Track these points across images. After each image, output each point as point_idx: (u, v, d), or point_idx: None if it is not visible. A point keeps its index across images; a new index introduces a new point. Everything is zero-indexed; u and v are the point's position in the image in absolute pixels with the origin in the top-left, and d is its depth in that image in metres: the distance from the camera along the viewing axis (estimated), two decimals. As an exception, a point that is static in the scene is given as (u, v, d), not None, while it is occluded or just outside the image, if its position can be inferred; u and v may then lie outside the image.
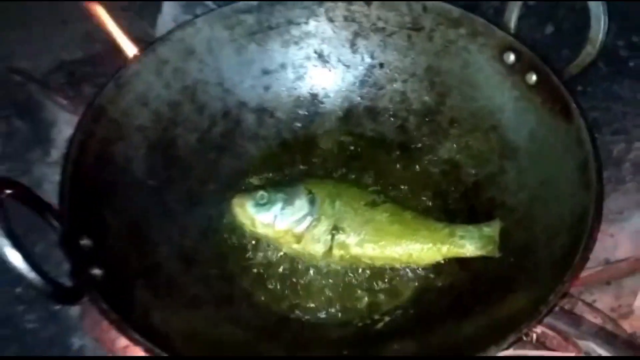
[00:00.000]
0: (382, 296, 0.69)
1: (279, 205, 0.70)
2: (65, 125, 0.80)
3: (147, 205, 0.70)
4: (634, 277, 0.74)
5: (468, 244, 0.67)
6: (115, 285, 0.59)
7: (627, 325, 0.72)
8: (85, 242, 0.59)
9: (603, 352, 0.68)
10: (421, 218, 0.71)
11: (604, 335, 0.69)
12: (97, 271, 0.57)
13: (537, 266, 0.61)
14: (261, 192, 0.71)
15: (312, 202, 0.70)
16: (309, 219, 0.70)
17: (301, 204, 0.70)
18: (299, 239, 0.70)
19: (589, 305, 0.72)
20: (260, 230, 0.71)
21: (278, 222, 0.70)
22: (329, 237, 0.69)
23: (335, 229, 0.69)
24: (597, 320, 0.70)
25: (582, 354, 0.68)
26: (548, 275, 0.58)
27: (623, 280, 0.74)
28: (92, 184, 0.65)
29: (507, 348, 0.53)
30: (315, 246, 0.70)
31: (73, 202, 0.61)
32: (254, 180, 0.77)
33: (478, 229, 0.68)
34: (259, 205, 0.70)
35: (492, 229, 0.68)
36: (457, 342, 0.59)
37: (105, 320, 0.53)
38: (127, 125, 0.71)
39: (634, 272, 0.75)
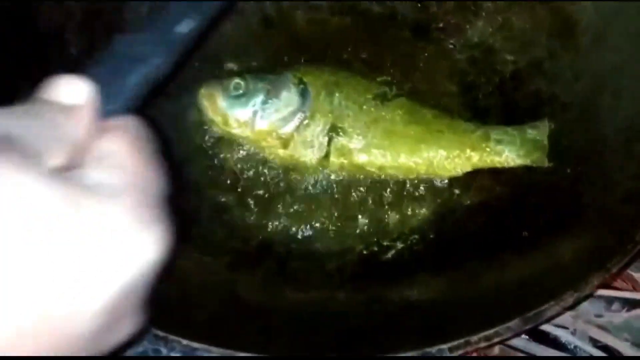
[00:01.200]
0: (393, 216, 0.58)
1: (259, 97, 0.59)
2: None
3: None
4: None
5: (507, 151, 0.57)
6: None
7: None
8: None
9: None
10: (445, 117, 0.60)
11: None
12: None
13: (613, 178, 0.48)
14: (237, 80, 0.59)
15: (303, 94, 0.59)
16: (299, 115, 0.59)
17: (289, 97, 0.59)
18: (285, 142, 0.59)
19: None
20: (236, 130, 0.59)
21: (259, 119, 0.59)
22: (326, 140, 0.58)
23: (334, 129, 0.59)
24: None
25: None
26: (636, 191, 0.44)
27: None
28: (4, 53, 0.51)
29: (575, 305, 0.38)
30: (307, 152, 0.59)
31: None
32: (228, 66, 0.64)
33: (520, 131, 0.58)
34: (233, 97, 0.59)
35: (539, 131, 0.58)
36: (498, 285, 0.46)
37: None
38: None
39: None
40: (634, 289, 0.58)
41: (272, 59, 0.64)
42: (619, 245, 0.40)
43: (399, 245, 0.56)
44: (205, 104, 0.59)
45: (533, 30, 0.61)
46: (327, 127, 0.58)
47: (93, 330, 0.24)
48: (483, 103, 0.62)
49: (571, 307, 0.38)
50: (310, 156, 0.58)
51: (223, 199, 0.58)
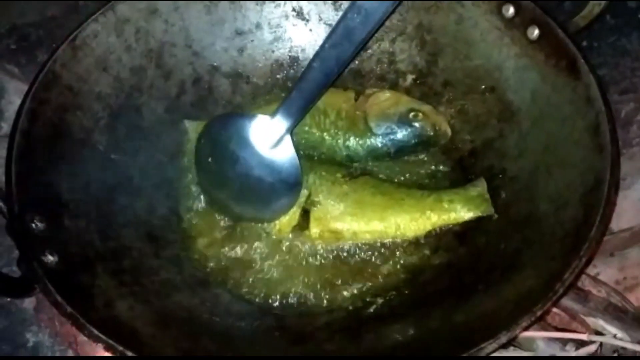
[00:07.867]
0: (372, 277, 0.64)
1: None
2: (15, 95, 0.73)
3: (109, 180, 0.64)
4: (638, 248, 0.69)
5: (459, 207, 0.64)
6: (73, 272, 0.53)
7: (634, 299, 0.67)
8: (37, 224, 0.52)
9: (613, 329, 0.64)
10: (404, 188, 0.67)
11: (613, 311, 0.64)
12: (50, 257, 0.50)
13: (545, 240, 0.56)
14: None
15: None
16: None
17: None
18: None
19: (593, 278, 0.67)
20: None
21: None
22: (299, 210, 0.65)
23: (311, 202, 0.65)
24: (602, 294, 0.66)
25: (590, 332, 0.63)
26: (559, 250, 0.53)
27: (627, 251, 0.70)
28: (46, 158, 0.59)
29: (516, 334, 0.46)
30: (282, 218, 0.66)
31: (22, 178, 0.55)
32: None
33: (464, 190, 0.65)
34: None
35: (479, 188, 0.65)
36: (459, 326, 0.53)
37: (60, 314, 0.46)
38: (85, 92, 0.64)
39: (638, 242, 0.70)
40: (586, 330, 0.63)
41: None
42: (543, 294, 0.48)
43: (379, 301, 0.61)
44: None
45: (485, 115, 0.68)
46: (302, 199, 0.65)
47: None
48: (448, 176, 0.69)
49: (505, 345, 0.46)
50: (282, 221, 0.64)
51: (225, 268, 0.64)
